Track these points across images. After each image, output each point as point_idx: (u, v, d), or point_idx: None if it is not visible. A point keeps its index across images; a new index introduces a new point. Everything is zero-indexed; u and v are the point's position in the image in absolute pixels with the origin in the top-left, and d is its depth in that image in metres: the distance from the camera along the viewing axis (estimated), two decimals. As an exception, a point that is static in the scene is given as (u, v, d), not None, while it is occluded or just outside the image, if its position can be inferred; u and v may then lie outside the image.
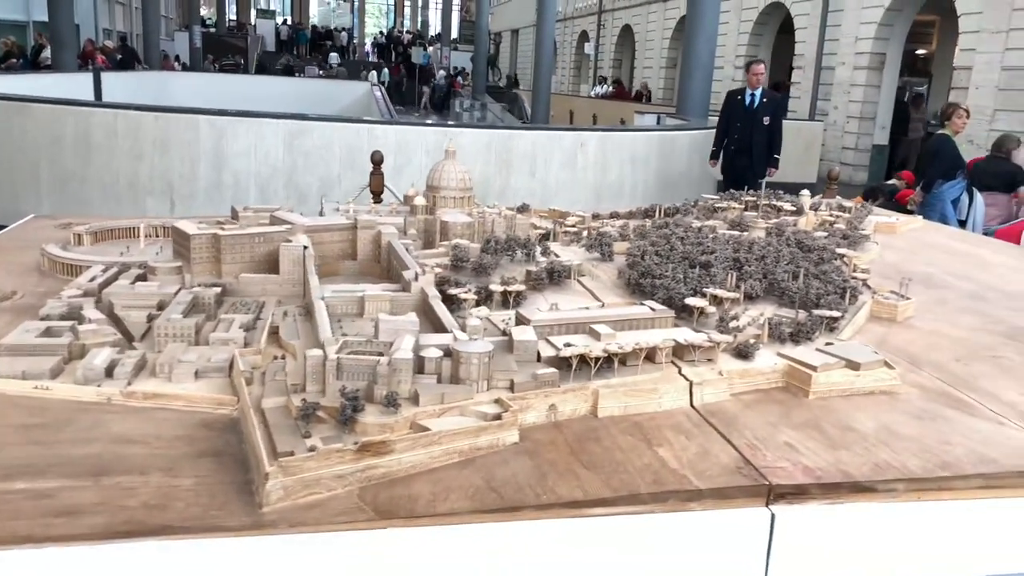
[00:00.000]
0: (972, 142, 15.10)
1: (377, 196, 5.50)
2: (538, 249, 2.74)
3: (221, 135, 7.20)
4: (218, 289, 2.34)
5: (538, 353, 1.79)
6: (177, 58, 39.74)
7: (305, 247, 2.51)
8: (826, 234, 3.09)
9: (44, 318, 2.05)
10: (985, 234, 7.91)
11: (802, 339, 2.07)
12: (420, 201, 3.17)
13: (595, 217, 3.73)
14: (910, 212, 8.78)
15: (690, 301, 2.13)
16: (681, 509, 1.43)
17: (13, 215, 3.44)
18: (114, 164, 7.15)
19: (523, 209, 3.75)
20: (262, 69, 40.97)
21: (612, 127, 13.91)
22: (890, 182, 11.38)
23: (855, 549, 1.49)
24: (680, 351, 1.89)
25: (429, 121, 8.21)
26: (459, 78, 43.87)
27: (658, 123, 14.81)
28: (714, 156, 9.32)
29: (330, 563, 1.28)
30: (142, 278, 2.50)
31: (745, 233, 2.93)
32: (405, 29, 64.58)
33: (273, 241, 2.54)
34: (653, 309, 2.06)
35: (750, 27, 25.07)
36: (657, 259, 2.51)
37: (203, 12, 59.08)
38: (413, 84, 42.07)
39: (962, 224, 7.85)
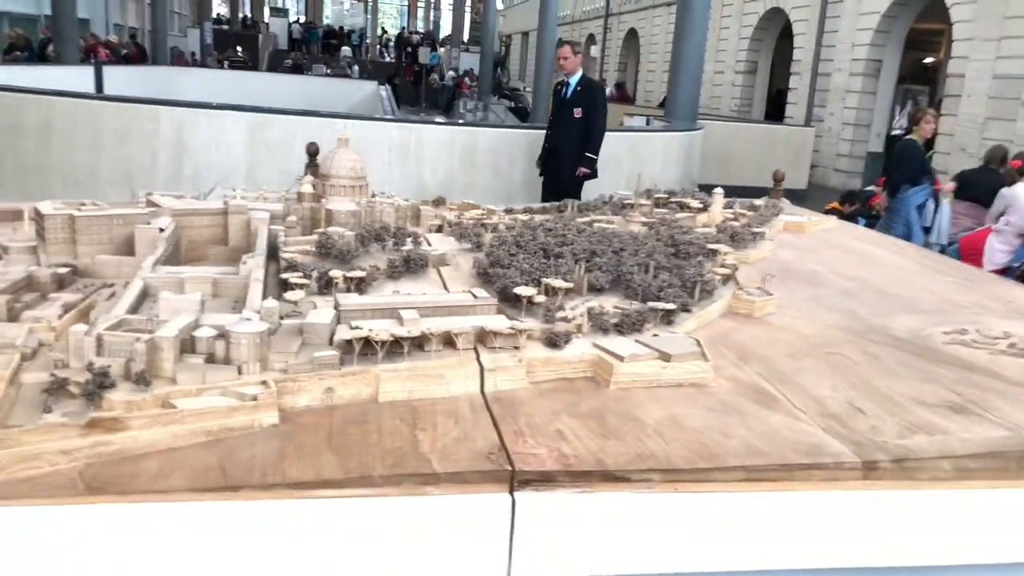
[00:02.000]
0: (964, 150, 15.03)
1: (312, 188, 5.49)
2: (408, 239, 2.72)
3: (181, 126, 7.21)
4: (65, 269, 2.34)
5: (331, 337, 1.78)
6: (193, 55, 39.99)
7: (161, 229, 2.50)
8: (713, 231, 3.06)
9: None
10: (949, 244, 7.85)
11: (627, 330, 2.04)
12: (307, 188, 3.16)
13: (507, 211, 3.71)
14: (877, 217, 8.75)
15: (519, 290, 2.11)
16: (416, 493, 1.41)
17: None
18: (74, 154, 7.18)
19: (439, 202, 3.74)
20: (273, 67, 41.11)
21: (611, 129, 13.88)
22: (868, 188, 11.33)
23: (602, 538, 1.47)
24: (487, 338, 1.87)
25: (389, 117, 8.21)
26: (466, 79, 43.92)
27: (647, 125, 14.80)
28: (540, 158, 7.84)
29: (14, 539, 1.27)
30: (-5, 259, 2.50)
31: (620, 228, 2.90)
32: (416, 30, 64.69)
33: (132, 223, 2.53)
34: (475, 296, 2.04)
35: (750, 32, 25.02)
36: (515, 249, 2.48)
37: (218, 9, 59.50)
38: (420, 84, 42.14)
39: (927, 231, 7.79)
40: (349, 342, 1.70)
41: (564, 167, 7.48)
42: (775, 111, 24.38)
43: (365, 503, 1.39)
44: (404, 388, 1.70)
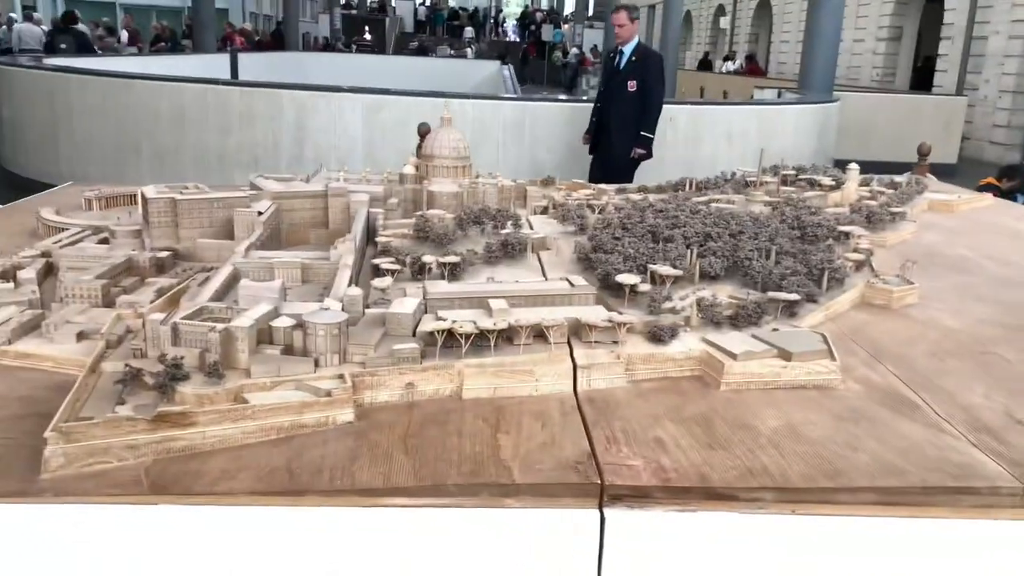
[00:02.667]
0: None
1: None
2: (509, 222, 2.58)
3: (302, 109, 7.35)
4: (165, 253, 2.34)
5: (414, 328, 1.66)
6: (326, 39, 41.31)
7: (260, 212, 2.47)
8: (846, 211, 2.77)
9: (-19, 276, 2.09)
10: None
11: (743, 324, 1.83)
12: (408, 170, 3.08)
13: (619, 191, 3.52)
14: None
15: (621, 278, 1.93)
16: (494, 505, 1.28)
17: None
18: (204, 138, 7.45)
19: (547, 182, 3.60)
20: (399, 49, 41.90)
21: (710, 100, 13.30)
22: (1030, 161, 10.33)
23: (704, 565, 1.29)
24: (583, 332, 1.71)
25: (503, 95, 8.06)
26: (589, 55, 43.39)
27: (778, 98, 14.08)
28: (588, 131, 7.07)
29: (77, 538, 1.22)
30: (104, 242, 2.53)
31: (740, 208, 2.66)
32: (539, 8, 64.37)
33: (232, 206, 2.51)
34: (572, 284, 1.89)
35: (895, -5, 23.38)
36: (621, 232, 2.30)
37: (347, -6, 61.20)
38: (542, 62, 41.93)
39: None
40: (432, 334, 1.58)
41: (617, 144, 6.73)
42: (922, 81, 22.74)
43: (438, 514, 1.27)
44: (489, 385, 1.57)
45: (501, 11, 59.96)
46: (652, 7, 51.67)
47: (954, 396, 1.63)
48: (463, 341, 1.59)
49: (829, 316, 2.05)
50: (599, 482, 1.29)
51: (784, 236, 2.26)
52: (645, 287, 1.92)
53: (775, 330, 1.84)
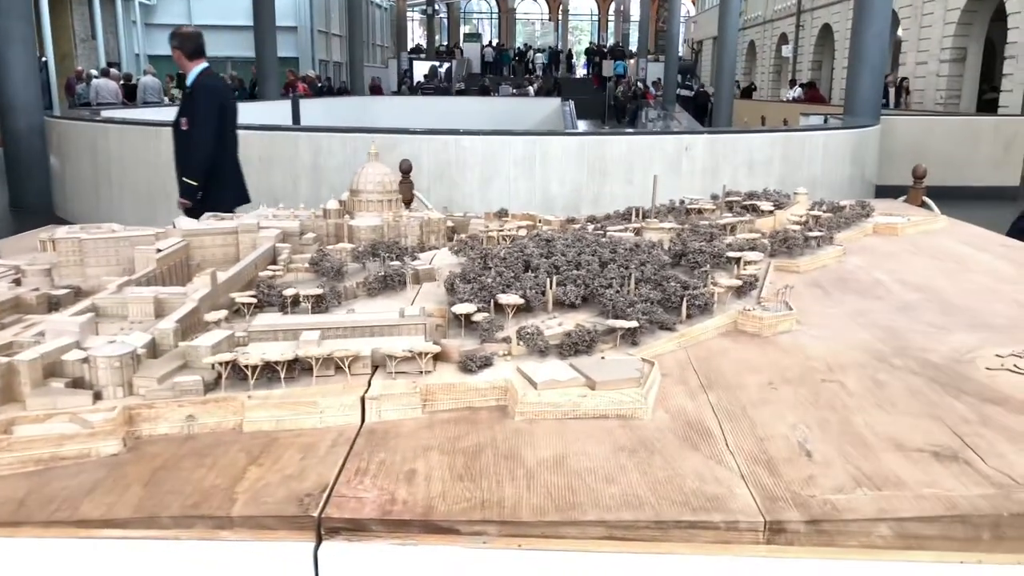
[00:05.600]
0: None
1: (407, 205, 5.49)
2: (406, 255, 2.59)
3: (318, 151, 7.55)
4: (63, 291, 2.42)
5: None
6: (401, 82, 42.46)
7: (159, 250, 2.53)
8: (759, 236, 2.68)
9: None
10: None
11: (567, 353, 1.79)
12: (332, 205, 3.13)
13: (570, 221, 3.49)
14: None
15: (456, 308, 1.91)
16: (209, 537, 1.27)
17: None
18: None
19: (501, 214, 3.60)
20: (464, 90, 42.71)
21: (726, 129, 13.06)
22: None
23: (420, 601, 1.25)
24: (386, 362, 1.69)
25: (513, 130, 8.09)
26: (651, 88, 43.40)
27: (824, 123, 13.79)
28: None
29: None
30: (16, 282, 2.63)
31: (636, 236, 2.60)
32: (603, 44, 64.73)
33: (137, 245, 2.59)
34: (402, 314, 1.87)
35: (957, 16, 22.70)
36: (497, 261, 2.28)
37: (418, 40, 62.85)
38: (603, 95, 42.12)
39: None
40: (214, 366, 1.59)
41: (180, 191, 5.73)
42: (988, 103, 21.93)
43: (151, 545, 1.26)
44: (271, 416, 1.57)
45: (547, 47, 60.57)
46: (715, 39, 51.48)
47: (757, 427, 1.55)
48: (249, 373, 1.60)
49: (686, 343, 1.99)
50: (315, 515, 1.27)
51: (654, 263, 2.20)
52: (481, 316, 1.90)
53: (602, 358, 1.79)
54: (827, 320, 2.18)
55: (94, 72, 24.26)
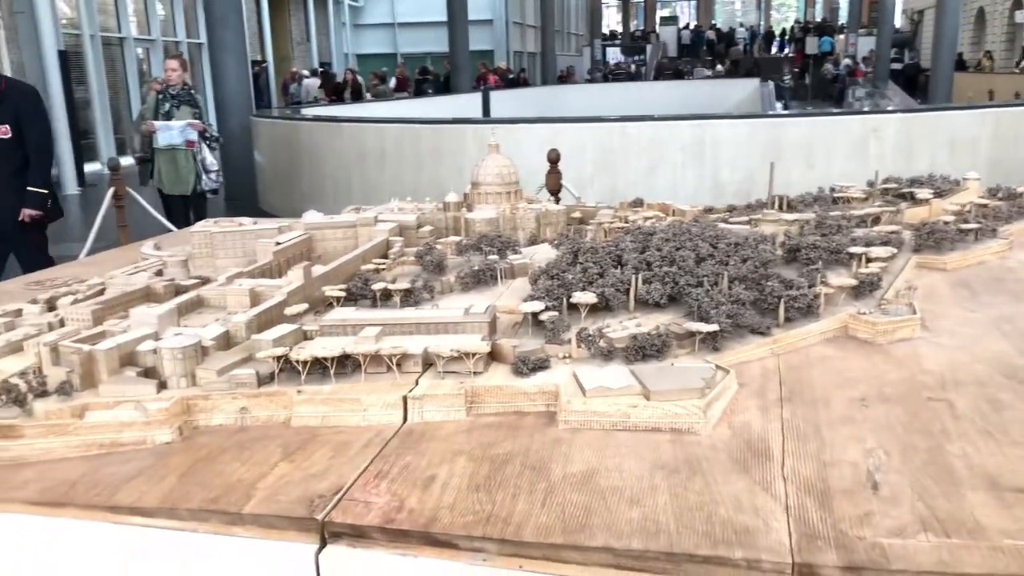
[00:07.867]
0: None
1: (555, 194, 5.42)
2: (508, 249, 2.54)
3: (484, 143, 7.60)
4: (192, 281, 2.58)
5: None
6: (597, 69, 42.67)
7: (278, 243, 2.64)
8: (899, 228, 2.38)
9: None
10: None
11: (633, 357, 1.66)
12: (451, 198, 3.13)
13: (708, 211, 3.30)
14: None
15: (522, 307, 1.84)
16: (222, 532, 1.29)
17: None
18: (401, 174, 8.01)
19: (636, 203, 3.48)
20: (659, 75, 42.01)
21: (927, 107, 11.76)
22: None
23: (415, 615, 1.20)
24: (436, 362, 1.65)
25: (681, 115, 7.68)
26: (861, 65, 40.54)
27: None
28: None
29: None
30: (159, 272, 2.85)
31: (752, 229, 2.37)
32: (810, 20, 61.22)
33: (260, 238, 2.72)
34: (467, 312, 1.83)
35: None
36: (589, 256, 2.18)
37: (612, 27, 62.59)
38: (804, 75, 39.90)
39: None
40: (271, 360, 1.62)
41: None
42: None
43: (170, 535, 1.30)
44: (317, 412, 1.57)
45: (741, 26, 58.03)
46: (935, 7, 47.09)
47: (826, 450, 1.36)
48: (300, 368, 1.62)
49: (781, 349, 1.80)
50: (318, 519, 1.25)
51: (757, 260, 2.00)
52: (548, 315, 1.81)
53: (672, 364, 1.65)
54: (963, 326, 1.90)
55: (305, 72, 26.15)
